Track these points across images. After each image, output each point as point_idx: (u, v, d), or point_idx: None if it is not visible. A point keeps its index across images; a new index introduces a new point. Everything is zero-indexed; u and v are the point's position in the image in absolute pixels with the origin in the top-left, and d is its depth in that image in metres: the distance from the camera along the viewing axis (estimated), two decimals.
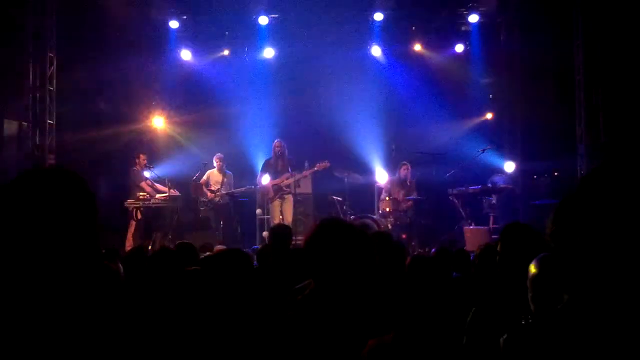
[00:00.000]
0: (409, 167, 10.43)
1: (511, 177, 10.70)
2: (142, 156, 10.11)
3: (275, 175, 9.88)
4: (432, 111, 11.47)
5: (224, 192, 10.29)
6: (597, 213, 1.33)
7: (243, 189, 10.40)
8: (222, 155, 10.55)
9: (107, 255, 6.28)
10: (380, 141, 11.50)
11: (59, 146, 9.90)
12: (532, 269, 2.45)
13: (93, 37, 10.46)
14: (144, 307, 2.58)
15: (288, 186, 9.81)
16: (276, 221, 9.63)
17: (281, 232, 4.96)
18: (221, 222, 10.26)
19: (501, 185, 10.44)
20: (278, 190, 9.80)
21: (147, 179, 10.09)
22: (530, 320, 1.70)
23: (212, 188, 10.39)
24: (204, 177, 10.50)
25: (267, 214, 10.44)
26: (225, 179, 10.46)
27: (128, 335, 1.46)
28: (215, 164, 10.52)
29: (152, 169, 10.15)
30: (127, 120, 11.73)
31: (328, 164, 9.93)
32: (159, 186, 10.03)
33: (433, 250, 5.80)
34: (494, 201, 10.54)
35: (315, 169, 9.93)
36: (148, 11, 11.56)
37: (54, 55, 9.63)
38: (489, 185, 10.41)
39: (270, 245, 5.03)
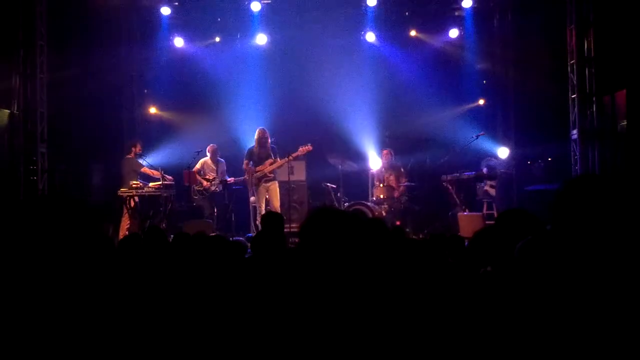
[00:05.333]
0: (392, 152, 10.51)
1: (506, 162, 10.69)
2: (138, 144, 10.06)
3: (258, 162, 9.82)
4: (426, 97, 11.45)
5: (219, 180, 10.27)
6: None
7: (242, 177, 10.28)
8: (215, 146, 10.60)
9: None
10: (374, 128, 11.47)
11: (50, 135, 9.82)
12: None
13: (84, 24, 10.35)
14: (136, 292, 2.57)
15: (272, 172, 9.76)
16: (261, 206, 9.62)
17: (272, 219, 4.93)
18: (215, 210, 10.24)
19: (497, 171, 10.44)
20: (262, 177, 9.75)
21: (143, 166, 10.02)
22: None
23: (208, 177, 10.36)
24: (197, 166, 10.46)
25: None
26: (218, 168, 10.47)
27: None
28: (208, 154, 10.53)
29: (144, 157, 10.07)
30: (119, 109, 11.68)
31: (310, 148, 9.81)
32: (152, 171, 9.93)
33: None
34: (492, 187, 10.53)
35: (298, 153, 9.81)
36: None
37: (45, 43, 9.53)
38: (484, 170, 10.40)
39: (263, 233, 5.01)
